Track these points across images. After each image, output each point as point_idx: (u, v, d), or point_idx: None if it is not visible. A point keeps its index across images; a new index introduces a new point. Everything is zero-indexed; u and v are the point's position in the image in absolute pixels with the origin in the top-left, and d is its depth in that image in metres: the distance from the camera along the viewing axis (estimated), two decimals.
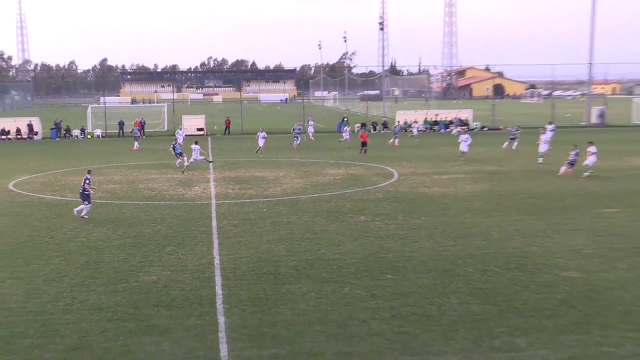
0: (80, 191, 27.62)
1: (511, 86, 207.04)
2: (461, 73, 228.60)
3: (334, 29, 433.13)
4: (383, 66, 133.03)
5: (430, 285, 18.28)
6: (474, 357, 13.59)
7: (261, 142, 51.79)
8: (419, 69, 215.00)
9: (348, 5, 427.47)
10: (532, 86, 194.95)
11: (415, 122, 70.92)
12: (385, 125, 77.24)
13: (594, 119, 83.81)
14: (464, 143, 46.47)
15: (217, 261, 20.89)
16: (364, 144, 51.00)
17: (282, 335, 14.88)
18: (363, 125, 69.24)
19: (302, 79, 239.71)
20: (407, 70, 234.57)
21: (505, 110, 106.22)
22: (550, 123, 62.44)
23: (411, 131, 67.20)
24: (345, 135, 58.90)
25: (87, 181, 27.34)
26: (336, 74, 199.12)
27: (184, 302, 17.12)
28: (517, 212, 28.06)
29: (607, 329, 15.05)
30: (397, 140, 59.20)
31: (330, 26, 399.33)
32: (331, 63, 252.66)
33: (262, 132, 52.79)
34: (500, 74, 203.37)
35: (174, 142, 45.33)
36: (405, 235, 24.09)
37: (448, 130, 73.71)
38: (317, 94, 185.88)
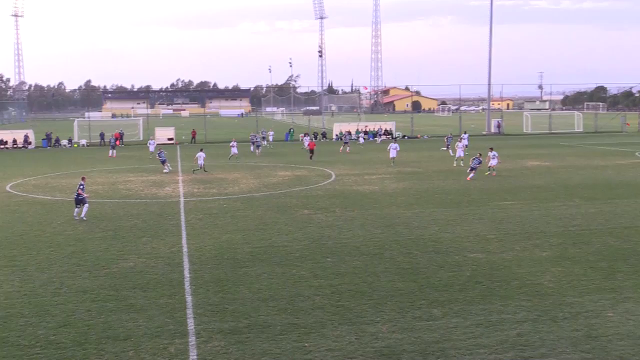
0: (75, 197, 26.14)
1: (426, 102, 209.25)
2: (386, 92, 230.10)
3: (281, 56, 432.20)
4: (322, 87, 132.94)
5: (363, 267, 18.24)
6: (399, 325, 13.55)
7: (234, 150, 51.02)
8: (352, 89, 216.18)
9: (293, 36, 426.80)
10: (444, 102, 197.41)
11: (365, 132, 71.70)
12: (324, 135, 77.24)
13: (493, 129, 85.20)
14: (394, 150, 46.22)
15: (185, 249, 20.52)
16: (311, 151, 50.02)
17: (241, 310, 14.64)
18: (306, 134, 69.01)
19: (256, 97, 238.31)
20: (342, 89, 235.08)
21: (422, 122, 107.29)
22: (465, 132, 63.20)
23: (357, 139, 67.43)
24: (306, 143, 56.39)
25: (82, 187, 25.96)
26: (284, 93, 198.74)
27: (157, 284, 16.74)
28: (432, 205, 28.25)
29: (506, 299, 15.19)
30: (348, 147, 57.25)
31: (279, 53, 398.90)
32: (279, 84, 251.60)
33: (234, 141, 52.26)
34: (417, 93, 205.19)
35: (159, 151, 44.10)
36: (341, 225, 24.03)
37: (375, 139, 74.18)
38: (268, 109, 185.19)
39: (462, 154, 44.46)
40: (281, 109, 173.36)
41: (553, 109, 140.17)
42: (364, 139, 70.39)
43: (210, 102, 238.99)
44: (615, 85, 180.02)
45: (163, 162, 42.49)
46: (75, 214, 26.02)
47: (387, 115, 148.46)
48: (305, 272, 17.69)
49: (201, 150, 43.57)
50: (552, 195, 30.64)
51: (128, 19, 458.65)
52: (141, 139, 77.56)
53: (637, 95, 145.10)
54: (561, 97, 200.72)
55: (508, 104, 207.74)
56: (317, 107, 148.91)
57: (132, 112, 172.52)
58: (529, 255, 19.37)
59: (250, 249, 20.41)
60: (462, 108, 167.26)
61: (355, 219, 25.23)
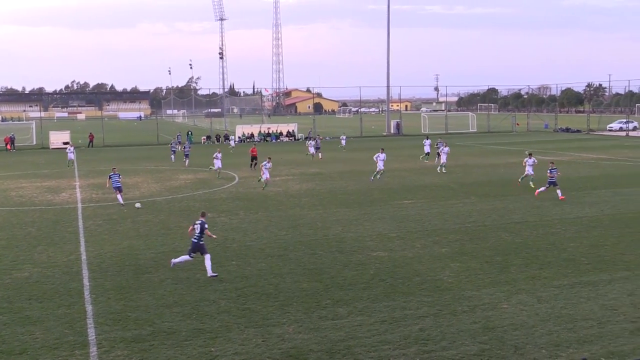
0: None
1: (328, 104, 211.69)
2: (288, 94, 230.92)
3: (181, 57, 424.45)
4: (223, 89, 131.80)
5: (268, 269, 18.21)
6: (305, 326, 13.62)
7: (173, 157, 50.06)
8: (254, 91, 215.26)
9: (193, 37, 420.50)
10: (344, 104, 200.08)
11: (268, 134, 71.23)
12: (227, 138, 76.53)
13: (392, 130, 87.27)
14: (312, 148, 48.93)
15: (84, 257, 19.78)
16: (253, 158, 44.38)
17: (144, 317, 14.28)
18: (309, 138, 67.07)
19: (155, 99, 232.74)
20: (244, 91, 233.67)
21: (323, 123, 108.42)
22: (343, 134, 64.41)
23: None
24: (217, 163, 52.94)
25: None
26: (184, 95, 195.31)
27: (55, 294, 16.04)
28: (335, 206, 28.59)
29: (409, 295, 15.58)
30: (317, 152, 52.85)
31: (179, 55, 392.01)
32: (180, 86, 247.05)
33: (186, 146, 50.39)
34: (319, 95, 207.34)
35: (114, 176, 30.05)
36: (246, 228, 23.90)
37: (279, 140, 74.31)
38: (169, 112, 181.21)
39: (445, 160, 41.33)
40: (182, 111, 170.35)
41: (449, 110, 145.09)
42: (267, 140, 70.03)
43: (108, 105, 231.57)
44: (505, 87, 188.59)
45: (116, 189, 30.06)
46: None
47: (289, 117, 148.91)
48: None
49: (219, 151, 41.32)
50: (450, 193, 31.70)
51: (16, 19, 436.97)
52: (34, 143, 74.24)
53: (525, 96, 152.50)
54: (456, 98, 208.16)
55: (406, 106, 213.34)
56: (219, 109, 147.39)
57: (24, 115, 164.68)
58: (429, 252, 19.95)
59: (153, 255, 19.94)
60: (363, 109, 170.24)
61: (259, 221, 25.16)
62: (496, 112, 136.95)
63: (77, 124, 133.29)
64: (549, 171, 29.88)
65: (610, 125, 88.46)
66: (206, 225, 17.67)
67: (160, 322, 13.98)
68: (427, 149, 47.41)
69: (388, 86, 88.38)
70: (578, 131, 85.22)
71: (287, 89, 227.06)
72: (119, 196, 29.36)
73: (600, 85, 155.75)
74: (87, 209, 28.77)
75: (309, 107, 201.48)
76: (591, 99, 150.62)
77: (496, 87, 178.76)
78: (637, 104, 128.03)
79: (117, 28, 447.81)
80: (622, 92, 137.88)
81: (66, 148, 52.21)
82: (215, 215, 26.42)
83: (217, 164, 40.00)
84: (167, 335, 13.23)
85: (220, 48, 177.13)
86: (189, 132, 72.99)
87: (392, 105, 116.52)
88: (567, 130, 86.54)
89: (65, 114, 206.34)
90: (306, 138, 64.36)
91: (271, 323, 13.83)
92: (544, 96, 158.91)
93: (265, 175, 34.11)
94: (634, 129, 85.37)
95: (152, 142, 73.53)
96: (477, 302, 15.02)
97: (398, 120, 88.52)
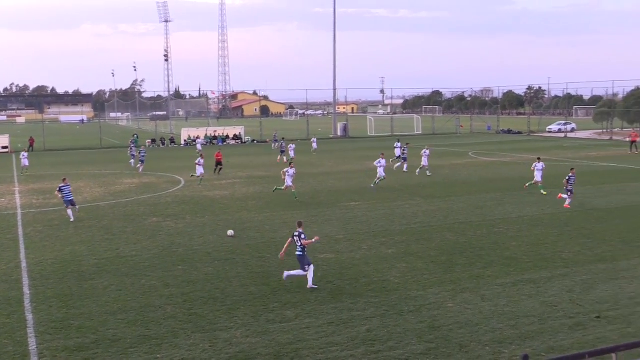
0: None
1: (275, 107, 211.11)
2: (234, 97, 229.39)
3: (126, 60, 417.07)
4: (169, 91, 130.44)
5: (215, 273, 18.06)
6: (253, 330, 13.56)
7: (132, 162, 48.62)
8: (199, 94, 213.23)
9: (138, 39, 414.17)
10: (291, 107, 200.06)
11: (214, 137, 70.40)
12: (172, 141, 75.64)
13: (339, 132, 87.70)
14: (292, 151, 49.32)
15: (24, 264, 19.23)
16: (218, 163, 42.74)
17: (87, 325, 13.97)
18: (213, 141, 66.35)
19: (98, 102, 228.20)
20: (190, 94, 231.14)
21: (271, 126, 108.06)
22: (314, 136, 64.50)
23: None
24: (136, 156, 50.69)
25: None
26: (128, 98, 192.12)
27: None
28: (283, 208, 28.57)
29: (356, 297, 15.68)
30: (282, 154, 51.79)
31: (123, 57, 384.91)
32: (124, 88, 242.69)
33: (142, 151, 48.45)
34: (265, 97, 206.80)
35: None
36: (192, 232, 23.65)
37: (225, 143, 73.86)
38: (112, 115, 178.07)
39: (426, 163, 40.71)
40: (126, 114, 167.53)
41: (394, 113, 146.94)
42: (213, 143, 69.37)
43: (49, 108, 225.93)
44: (449, 90, 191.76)
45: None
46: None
47: (236, 120, 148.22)
48: (155, 282, 17.21)
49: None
50: (395, 194, 32.04)
51: None
52: None
53: (469, 99, 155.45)
54: (401, 101, 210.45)
55: (353, 108, 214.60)
56: (164, 112, 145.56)
57: None
58: (376, 253, 20.12)
59: (97, 261, 19.54)
60: (309, 112, 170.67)
61: (206, 225, 24.93)
62: (441, 115, 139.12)
63: (17, 128, 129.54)
64: (567, 179, 27.82)
65: (550, 127, 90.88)
66: (303, 236, 16.81)
67: (104, 329, 13.71)
68: (397, 152, 46.82)
69: (335, 89, 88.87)
70: (519, 133, 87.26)
71: (233, 91, 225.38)
72: (69, 211, 26.07)
73: (540, 88, 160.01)
74: (27, 214, 28.00)
75: (255, 110, 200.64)
76: (531, 102, 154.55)
77: (440, 90, 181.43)
78: (574, 107, 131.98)
79: (59, 29, 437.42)
80: (560, 94, 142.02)
81: (20, 154, 48.58)
82: (161, 220, 26.07)
83: (200, 170, 37.72)
84: (111, 342, 12.97)
85: (165, 50, 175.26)
86: (135, 136, 71.75)
87: (338, 108, 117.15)
88: (509, 132, 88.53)
89: (4, 117, 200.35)
90: (275, 141, 62.16)
91: (218, 328, 13.72)
92: (487, 99, 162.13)
93: (288, 182, 31.37)
94: (572, 130, 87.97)
95: (95, 146, 72.08)
96: (423, 301, 15.22)
97: (345, 123, 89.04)
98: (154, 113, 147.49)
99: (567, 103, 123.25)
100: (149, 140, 72.85)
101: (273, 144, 56.23)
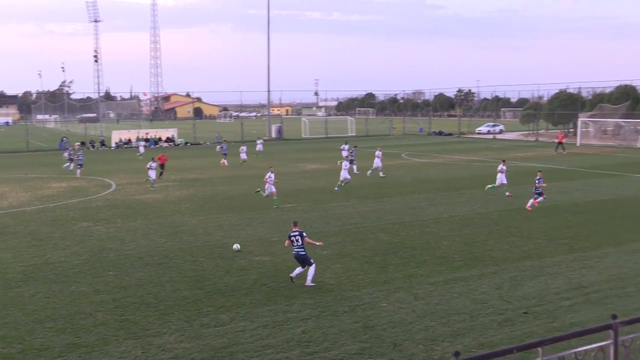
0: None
1: (208, 109, 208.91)
2: (167, 98, 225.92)
3: (53, 60, 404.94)
4: (99, 93, 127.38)
5: (147, 278, 17.73)
6: (187, 334, 13.38)
7: (74, 167, 46.11)
8: (131, 95, 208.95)
9: (66, 39, 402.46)
10: (225, 109, 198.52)
11: (146, 139, 68.51)
12: (102, 143, 73.86)
13: (274, 134, 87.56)
14: (243, 153, 48.96)
15: None
16: (161, 167, 40.84)
17: (12, 335, 13.47)
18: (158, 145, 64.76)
19: (24, 103, 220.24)
20: (121, 96, 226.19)
21: (204, 128, 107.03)
22: (259, 138, 64.01)
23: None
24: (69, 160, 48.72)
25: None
26: (56, 100, 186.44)
27: None
28: (217, 211, 28.31)
29: (291, 299, 15.68)
30: (225, 161, 49.55)
31: (50, 57, 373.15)
32: (51, 90, 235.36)
33: (80, 154, 47.07)
34: (199, 99, 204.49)
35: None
36: (124, 237, 23.16)
37: (157, 146, 72.68)
38: (39, 117, 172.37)
39: (380, 164, 40.60)
40: (54, 116, 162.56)
41: (328, 115, 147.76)
42: (145, 146, 67.66)
43: None
44: (382, 92, 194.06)
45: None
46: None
47: (168, 122, 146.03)
48: (85, 288, 16.77)
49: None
50: (330, 196, 32.21)
51: None
52: None
53: (401, 101, 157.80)
54: (335, 103, 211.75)
55: (287, 110, 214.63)
56: (94, 114, 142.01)
57: None
58: (311, 254, 20.09)
59: (23, 268, 18.87)
60: (243, 114, 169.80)
61: (138, 229, 24.45)
62: (374, 117, 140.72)
63: None
64: (536, 181, 27.99)
65: (479, 128, 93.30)
66: (304, 234, 17.07)
67: (31, 338, 13.25)
68: (344, 153, 46.59)
69: (269, 91, 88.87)
70: (450, 134, 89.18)
71: (166, 93, 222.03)
72: None
73: (469, 90, 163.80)
74: None
75: (188, 112, 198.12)
76: (462, 104, 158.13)
77: (374, 92, 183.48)
78: (502, 109, 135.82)
79: None
80: (489, 97, 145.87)
81: None
82: (91, 224, 25.43)
83: (152, 174, 36.63)
84: (38, 352, 12.56)
85: (95, 51, 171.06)
86: (63, 138, 69.82)
87: (273, 110, 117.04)
88: (440, 133, 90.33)
89: None
90: (219, 144, 59.99)
91: (151, 333, 13.47)
92: (419, 101, 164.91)
93: (271, 189, 29.78)
94: (500, 132, 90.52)
95: (21, 149, 69.66)
96: (358, 302, 15.35)
97: (279, 125, 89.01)
98: (84, 115, 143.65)
99: (496, 105, 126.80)
100: (78, 143, 70.89)
101: (218, 147, 54.58)
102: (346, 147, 47.13)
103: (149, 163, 37.43)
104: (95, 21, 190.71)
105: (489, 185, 32.36)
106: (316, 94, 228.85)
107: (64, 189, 36.54)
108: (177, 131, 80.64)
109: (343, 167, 35.29)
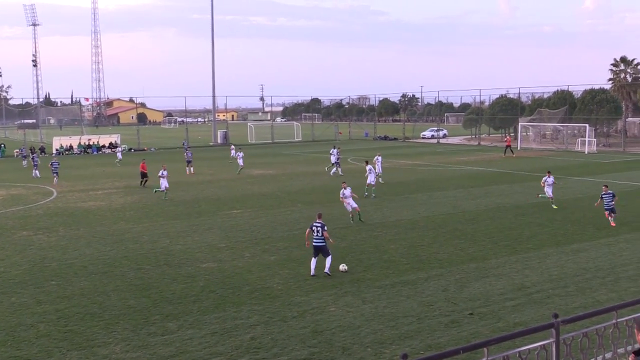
0: None
1: (152, 114, 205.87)
2: (109, 104, 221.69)
3: None
4: (38, 98, 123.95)
5: (91, 287, 17.35)
6: (134, 344, 13.14)
7: (37, 171, 45.76)
8: (72, 101, 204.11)
9: (3, 43, 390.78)
10: (170, 114, 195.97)
11: (89, 145, 66.59)
12: (42, 150, 71.91)
13: (219, 140, 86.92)
14: (240, 159, 47.51)
15: None
16: (144, 175, 39.47)
17: None
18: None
19: None
20: (61, 101, 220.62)
21: (148, 134, 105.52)
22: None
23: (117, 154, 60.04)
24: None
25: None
26: None
27: None
28: (163, 218, 27.93)
29: (239, 305, 15.58)
30: (191, 169, 47.46)
31: None
32: None
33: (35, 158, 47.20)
34: (143, 105, 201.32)
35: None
36: (66, 245, 22.60)
37: (100, 152, 71.28)
38: None
39: (378, 174, 38.24)
40: None
41: (274, 120, 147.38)
42: (87, 152, 66.02)
43: None
44: (328, 97, 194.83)
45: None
46: None
47: (111, 128, 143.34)
48: (27, 299, 16.29)
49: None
50: (277, 201, 32.17)
51: None
52: None
53: (347, 106, 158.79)
54: (281, 108, 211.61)
55: (233, 115, 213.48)
56: (34, 120, 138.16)
57: None
58: (259, 260, 20.10)
59: None
60: (189, 120, 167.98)
61: (81, 238, 23.91)
62: (320, 122, 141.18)
63: None
64: (604, 197, 24.90)
65: (424, 133, 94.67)
66: (325, 227, 17.91)
67: None
68: (333, 158, 46.23)
69: (214, 96, 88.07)
70: (395, 139, 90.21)
71: (108, 98, 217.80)
72: None
73: (413, 95, 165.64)
74: None
75: (132, 118, 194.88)
76: (406, 109, 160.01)
77: (319, 97, 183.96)
78: (446, 113, 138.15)
79: None
80: (433, 102, 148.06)
81: None
82: (32, 233, 24.74)
83: (164, 183, 34.07)
84: None
85: (33, 55, 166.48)
86: (1, 145, 67.72)
87: (218, 115, 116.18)
88: (385, 138, 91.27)
89: None
90: (185, 149, 58.04)
91: (96, 344, 13.18)
92: (364, 106, 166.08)
93: (164, 184, 33.25)
94: (444, 136, 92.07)
95: None
96: (306, 307, 15.36)
97: (225, 130, 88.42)
98: (23, 121, 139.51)
99: (439, 110, 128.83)
100: (17, 150, 68.89)
101: (185, 153, 51.89)
102: (335, 151, 46.80)
103: (160, 171, 34.45)
104: (34, 25, 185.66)
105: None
106: (262, 99, 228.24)
107: (2, 198, 35.44)
108: (120, 137, 79.24)
109: (368, 171, 33.43)
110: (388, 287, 16.86)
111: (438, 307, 15.22)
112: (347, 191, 26.00)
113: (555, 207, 28.94)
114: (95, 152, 72.20)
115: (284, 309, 15.20)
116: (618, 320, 6.95)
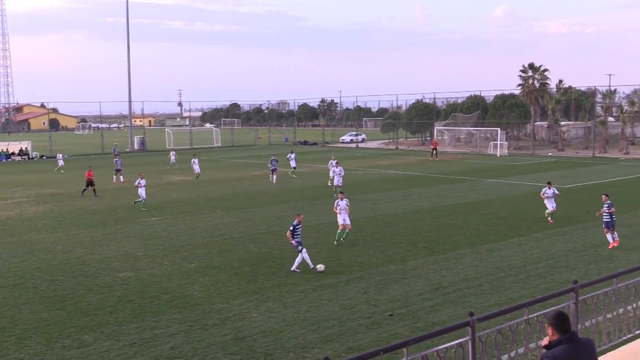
0: None
1: (65, 120, 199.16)
2: (19, 109, 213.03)
3: None
4: None
5: (1, 300, 16.59)
6: (47, 358, 12.65)
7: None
8: None
9: None
10: (84, 120, 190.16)
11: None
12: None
13: (136, 146, 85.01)
14: (196, 166, 44.39)
15: None
16: (89, 183, 36.89)
17: None
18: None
19: None
20: None
21: (61, 141, 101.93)
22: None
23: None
24: None
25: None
26: None
27: None
28: (77, 227, 27.04)
29: (159, 314, 15.26)
30: (117, 174, 45.70)
31: None
32: None
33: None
34: (55, 110, 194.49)
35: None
36: None
37: (9, 160, 68.35)
38: None
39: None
40: None
41: (193, 125, 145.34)
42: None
43: None
44: (247, 102, 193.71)
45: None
46: None
47: (21, 134, 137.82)
48: None
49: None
50: (196, 208, 31.73)
51: None
52: None
53: (266, 111, 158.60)
54: (200, 113, 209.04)
55: (150, 121, 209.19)
56: None
57: None
58: (178, 268, 19.76)
59: None
60: (104, 125, 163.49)
61: None
62: (239, 127, 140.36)
63: None
64: (606, 207, 21.45)
65: (343, 137, 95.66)
66: (292, 228, 19.18)
67: None
68: (293, 163, 46.93)
69: (130, 101, 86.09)
70: (315, 144, 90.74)
71: (17, 103, 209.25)
72: None
73: (332, 100, 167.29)
74: None
75: (44, 124, 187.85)
76: (325, 114, 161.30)
77: (239, 103, 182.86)
78: (364, 118, 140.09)
79: None
80: (351, 107, 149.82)
81: None
82: None
83: (142, 192, 32.02)
84: None
85: None
86: None
87: (135, 121, 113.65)
88: (305, 143, 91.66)
89: None
90: (115, 155, 55.19)
91: None
92: (283, 111, 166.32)
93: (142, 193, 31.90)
94: (363, 140, 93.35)
95: None
96: (228, 314, 15.22)
97: (142, 136, 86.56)
98: None
99: (358, 115, 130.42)
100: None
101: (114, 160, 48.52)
102: (292, 155, 47.45)
103: (137, 180, 32.28)
104: None
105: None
106: (180, 104, 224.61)
107: None
108: (31, 144, 76.24)
109: (336, 172, 34.89)
110: (309, 291, 16.91)
111: (359, 309, 15.38)
112: (343, 203, 23.46)
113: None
114: (4, 160, 69.16)
115: (205, 317, 15.00)
116: (529, 316, 7.22)
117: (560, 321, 5.93)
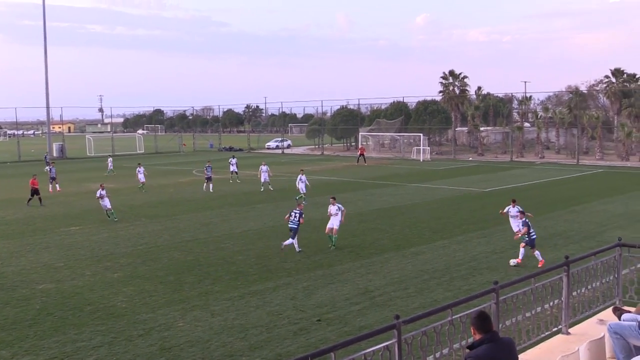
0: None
1: None
2: None
3: None
4: None
5: None
6: None
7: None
8: None
9: None
10: None
11: None
12: None
13: (56, 153, 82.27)
14: (141, 175, 42.49)
15: None
16: (34, 192, 35.45)
17: None
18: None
19: None
20: None
21: None
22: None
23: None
24: None
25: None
26: None
27: None
28: None
29: (81, 327, 14.81)
30: (53, 182, 43.64)
31: None
32: None
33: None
34: None
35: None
36: None
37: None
38: None
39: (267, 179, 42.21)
40: None
41: (115, 132, 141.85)
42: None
43: None
44: (171, 108, 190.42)
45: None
46: None
47: None
48: None
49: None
50: (119, 216, 30.92)
51: None
52: None
53: (190, 117, 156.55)
54: (122, 119, 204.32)
55: (69, 127, 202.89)
56: None
57: None
58: (101, 278, 19.24)
59: None
60: (20, 132, 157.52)
61: None
62: (163, 133, 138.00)
63: None
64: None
65: (268, 143, 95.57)
66: (303, 215, 22.39)
67: None
68: (233, 168, 46.87)
69: (48, 107, 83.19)
70: (240, 150, 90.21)
71: None
72: None
73: (257, 106, 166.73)
74: None
75: None
76: (250, 120, 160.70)
77: (162, 108, 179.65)
78: (290, 124, 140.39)
79: None
80: (276, 113, 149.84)
81: None
82: None
83: (105, 203, 30.15)
84: None
85: None
86: None
87: (53, 128, 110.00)
88: (231, 149, 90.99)
89: None
90: (47, 163, 51.96)
91: None
92: (208, 117, 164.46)
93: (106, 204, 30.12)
94: (288, 146, 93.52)
95: None
96: (153, 324, 14.92)
97: (61, 143, 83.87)
98: None
99: (283, 121, 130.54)
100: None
101: (46, 168, 45.80)
102: (234, 160, 47.75)
103: (99, 191, 30.40)
104: None
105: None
106: (101, 110, 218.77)
107: None
108: None
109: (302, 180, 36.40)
110: (237, 299, 16.80)
111: (287, 315, 15.38)
112: (334, 208, 23.41)
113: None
114: None
115: (129, 328, 14.66)
116: (453, 317, 7.42)
117: (482, 321, 6.12)
